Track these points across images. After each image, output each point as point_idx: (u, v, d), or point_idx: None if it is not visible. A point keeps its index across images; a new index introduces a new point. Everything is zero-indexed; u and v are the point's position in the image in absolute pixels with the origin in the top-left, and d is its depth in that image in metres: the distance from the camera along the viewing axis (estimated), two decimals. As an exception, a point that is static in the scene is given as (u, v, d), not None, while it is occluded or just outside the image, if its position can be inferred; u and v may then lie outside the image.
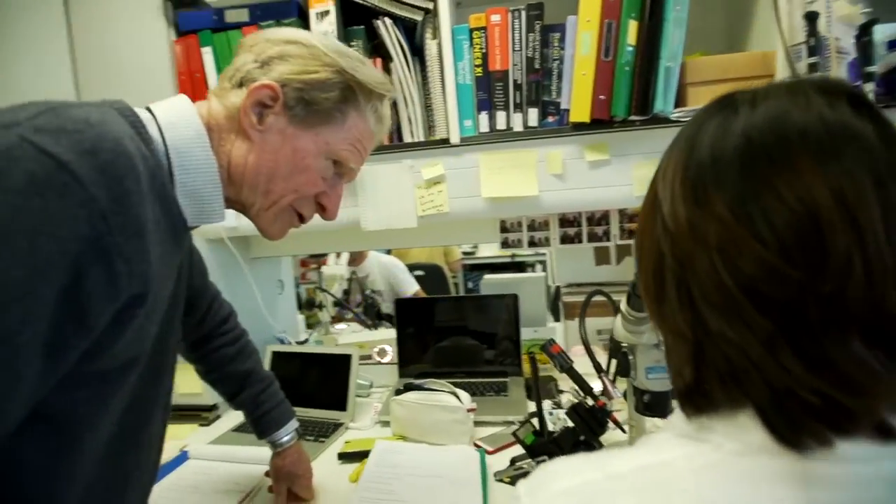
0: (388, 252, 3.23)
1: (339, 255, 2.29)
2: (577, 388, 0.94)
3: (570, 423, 0.93)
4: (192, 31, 1.30)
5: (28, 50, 1.35)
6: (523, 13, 1.20)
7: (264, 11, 1.27)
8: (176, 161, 0.59)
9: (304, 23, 1.26)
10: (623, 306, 0.79)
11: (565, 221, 1.48)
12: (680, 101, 1.20)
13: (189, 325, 0.91)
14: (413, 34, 1.29)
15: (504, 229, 1.51)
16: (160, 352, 0.64)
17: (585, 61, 1.16)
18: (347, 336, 1.98)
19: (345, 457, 1.12)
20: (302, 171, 0.66)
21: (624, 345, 0.86)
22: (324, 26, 1.23)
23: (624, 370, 0.86)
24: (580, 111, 1.18)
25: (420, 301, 2.00)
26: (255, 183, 0.65)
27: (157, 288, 0.54)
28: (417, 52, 1.28)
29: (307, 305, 2.05)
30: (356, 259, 2.44)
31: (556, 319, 1.85)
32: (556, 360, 0.95)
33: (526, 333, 1.55)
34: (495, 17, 1.22)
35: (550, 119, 1.24)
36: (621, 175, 1.21)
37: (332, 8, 1.22)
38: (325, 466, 1.09)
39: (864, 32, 1.09)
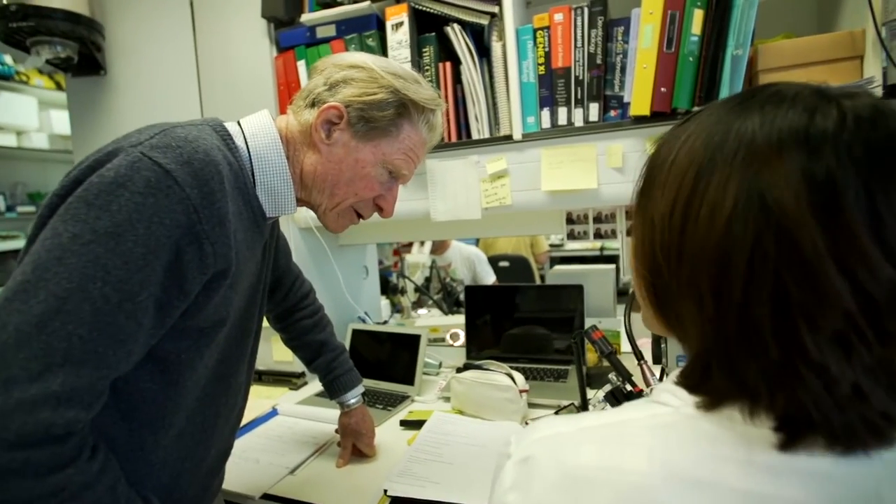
0: (477, 242, 3.34)
1: (422, 243, 2.44)
2: (616, 373, 0.97)
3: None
4: (290, 48, 1.50)
5: (163, 66, 1.64)
6: (586, 10, 1.23)
7: (348, 26, 1.42)
8: (256, 164, 0.74)
9: (382, 33, 1.39)
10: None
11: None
12: (752, 90, 1.16)
13: (276, 299, 1.08)
14: (481, 37, 1.37)
15: (570, 221, 1.54)
16: (245, 318, 0.81)
17: (646, 54, 1.16)
18: (426, 320, 2.12)
19: (406, 424, 1.25)
20: (362, 177, 0.78)
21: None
22: (399, 36, 1.36)
23: (656, 357, 0.88)
24: (640, 105, 1.18)
25: (488, 289, 2.07)
26: (322, 187, 0.78)
27: (238, 265, 0.69)
28: (485, 53, 1.36)
29: (392, 290, 2.22)
30: (438, 248, 2.57)
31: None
32: (597, 346, 0.99)
33: (592, 324, 1.57)
34: (558, 17, 1.26)
35: (613, 113, 1.26)
36: (684, 167, 1.19)
37: (405, 19, 1.34)
38: (388, 431, 1.23)
39: (973, 5, 0.98)
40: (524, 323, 1.60)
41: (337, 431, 1.15)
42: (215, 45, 1.59)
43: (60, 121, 3.18)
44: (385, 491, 0.93)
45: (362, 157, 0.77)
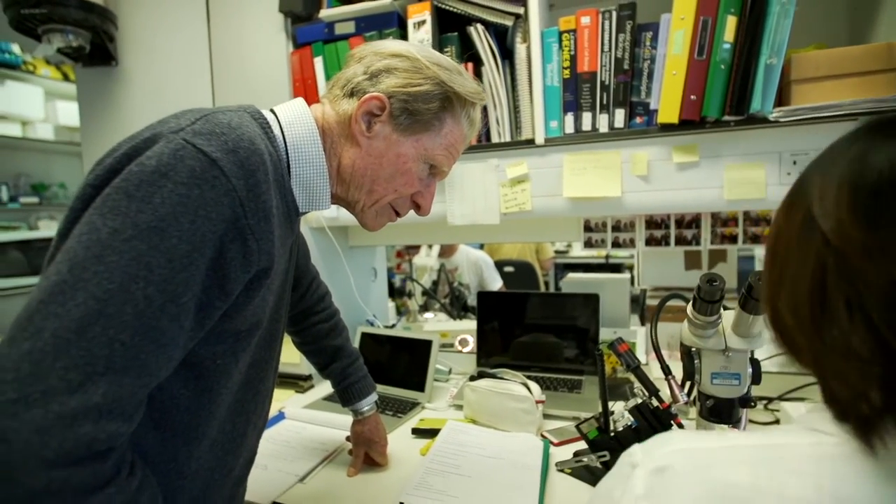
0: (481, 247, 3.31)
1: (430, 246, 2.40)
2: (643, 388, 0.94)
3: (634, 423, 0.94)
4: (307, 43, 1.47)
5: (176, 58, 1.61)
6: (614, 14, 1.20)
7: (368, 23, 1.39)
8: (293, 155, 0.69)
9: (403, 31, 1.36)
10: (689, 310, 0.79)
11: (652, 223, 1.44)
12: (783, 100, 1.13)
13: (293, 300, 1.04)
14: (504, 38, 1.35)
15: (588, 228, 1.51)
16: (275, 319, 0.76)
17: (677, 60, 1.14)
18: (433, 324, 2.09)
19: (418, 432, 1.22)
20: (403, 173, 0.74)
21: (693, 349, 0.85)
22: (420, 34, 1.33)
23: (688, 374, 0.85)
24: (669, 112, 1.15)
25: (501, 295, 2.03)
26: (361, 183, 0.74)
27: (277, 264, 0.65)
28: (508, 55, 1.33)
29: (398, 293, 2.18)
30: (446, 251, 2.54)
31: (642, 323, 1.80)
32: (623, 359, 0.96)
33: (607, 334, 1.54)
34: (585, 20, 1.23)
35: (638, 120, 1.23)
36: (711, 177, 1.17)
37: (428, 17, 1.31)
38: (399, 439, 1.20)
39: None
40: (536, 331, 1.57)
41: (348, 439, 1.12)
42: (230, 38, 1.56)
43: (66, 112, 3.15)
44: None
45: (403, 151, 0.73)
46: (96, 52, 1.55)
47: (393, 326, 1.87)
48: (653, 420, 0.92)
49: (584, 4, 1.32)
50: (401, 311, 2.37)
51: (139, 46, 1.62)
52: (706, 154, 1.17)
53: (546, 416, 1.26)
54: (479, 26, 1.30)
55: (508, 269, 3.44)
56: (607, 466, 0.96)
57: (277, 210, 0.64)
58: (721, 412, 0.81)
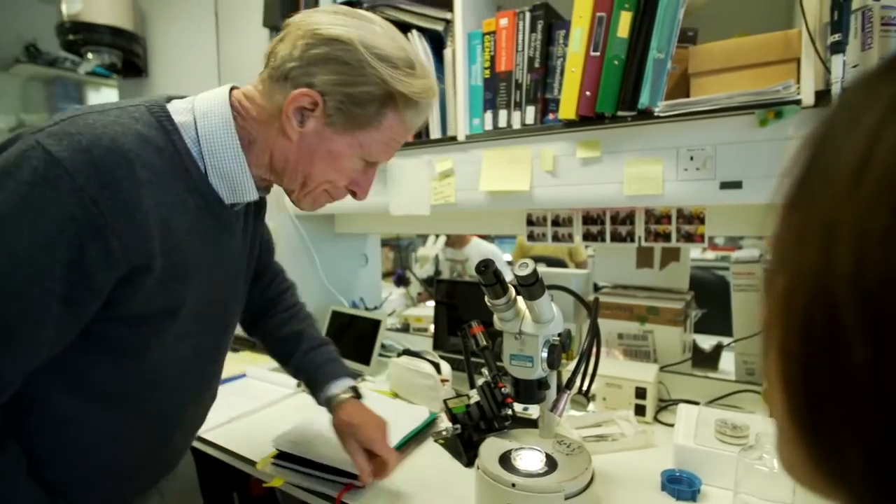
0: (492, 241, 3.36)
1: (437, 236, 2.52)
2: (488, 368, 1.01)
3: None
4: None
5: (191, 67, 1.91)
6: (527, 14, 1.25)
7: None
8: (205, 146, 0.69)
9: (353, 40, 1.51)
10: (486, 298, 0.85)
11: (588, 219, 1.45)
12: (689, 95, 1.11)
13: (253, 293, 1.00)
14: (441, 41, 1.44)
15: (530, 222, 1.55)
16: (214, 306, 0.79)
17: (575, 57, 1.16)
18: (423, 310, 2.22)
19: (337, 397, 1.37)
20: (336, 169, 0.74)
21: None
22: (364, 42, 1.47)
23: (497, 356, 0.91)
24: (567, 109, 1.18)
25: (456, 283, 2.05)
26: (294, 176, 0.74)
27: (173, 258, 0.65)
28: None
29: (400, 282, 2.34)
30: (456, 242, 2.63)
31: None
32: (473, 340, 1.03)
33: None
34: (503, 21, 1.29)
35: (551, 116, 1.27)
36: (613, 173, 1.18)
37: (369, 26, 1.45)
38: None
39: (914, 0, 0.87)
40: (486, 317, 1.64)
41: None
42: (231, 50, 1.83)
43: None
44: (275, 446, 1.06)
45: (336, 148, 0.72)
46: (131, 66, 1.90)
47: (375, 309, 2.04)
48: (490, 398, 1.00)
49: (521, 6, 1.37)
50: (413, 299, 2.52)
51: (163, 60, 1.95)
52: (608, 150, 1.18)
53: (460, 396, 1.35)
54: (416, 32, 1.41)
55: (541, 265, 3.44)
56: (460, 438, 1.04)
57: (182, 205, 0.66)
58: (521, 393, 0.87)
